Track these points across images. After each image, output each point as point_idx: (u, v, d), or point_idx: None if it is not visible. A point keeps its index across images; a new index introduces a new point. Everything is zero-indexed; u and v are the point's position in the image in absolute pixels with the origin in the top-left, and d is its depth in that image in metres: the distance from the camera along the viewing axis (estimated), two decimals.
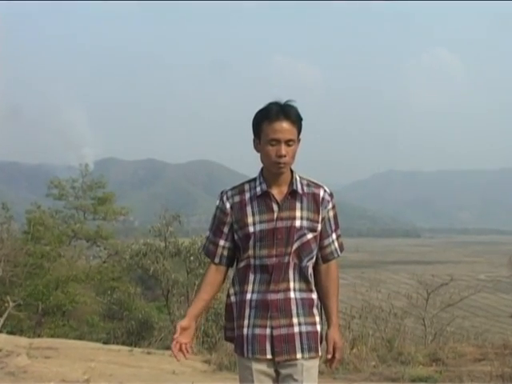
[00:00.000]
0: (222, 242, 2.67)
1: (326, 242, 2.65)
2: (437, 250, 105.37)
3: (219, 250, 2.67)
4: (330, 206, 2.64)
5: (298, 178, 2.62)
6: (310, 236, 2.58)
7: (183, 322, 2.62)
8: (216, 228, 2.69)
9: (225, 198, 2.65)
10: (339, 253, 2.69)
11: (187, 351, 2.61)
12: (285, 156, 2.52)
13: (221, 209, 2.67)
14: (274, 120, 2.52)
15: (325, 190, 2.64)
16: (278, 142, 2.52)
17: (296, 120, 2.55)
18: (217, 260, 2.68)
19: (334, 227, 2.66)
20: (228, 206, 2.64)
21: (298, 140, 2.59)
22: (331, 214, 2.65)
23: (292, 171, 2.63)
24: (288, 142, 2.52)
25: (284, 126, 2.52)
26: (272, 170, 2.57)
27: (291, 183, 2.60)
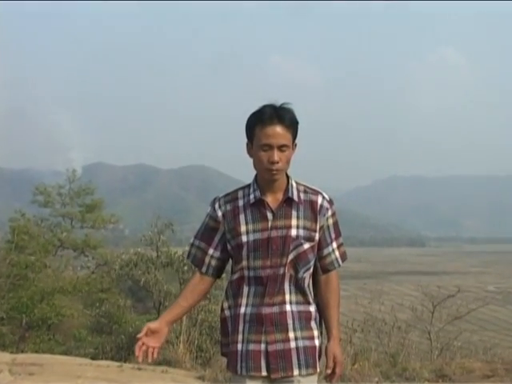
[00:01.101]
0: (211, 251, 2.65)
1: (326, 251, 2.62)
2: (443, 260, 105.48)
3: (207, 259, 2.66)
4: (330, 213, 2.61)
5: (294, 185, 2.59)
6: (306, 246, 2.55)
7: (152, 324, 2.61)
8: (207, 236, 2.67)
9: (217, 206, 2.64)
10: (340, 263, 2.67)
11: (152, 356, 2.59)
12: (277, 162, 2.49)
13: (212, 216, 2.65)
14: (266, 124, 2.49)
15: (323, 197, 2.61)
16: (271, 147, 2.49)
17: (291, 124, 2.52)
18: (204, 269, 2.67)
19: (334, 236, 2.64)
20: (220, 214, 2.62)
21: (294, 145, 2.56)
22: (331, 221, 2.62)
23: (288, 177, 2.61)
24: (281, 148, 2.49)
25: (277, 131, 2.48)
26: (265, 177, 2.55)
27: (286, 190, 2.57)
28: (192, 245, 2.72)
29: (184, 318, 8.15)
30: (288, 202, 2.56)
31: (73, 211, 24.90)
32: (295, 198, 2.56)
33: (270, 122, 2.49)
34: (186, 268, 13.20)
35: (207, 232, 2.67)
